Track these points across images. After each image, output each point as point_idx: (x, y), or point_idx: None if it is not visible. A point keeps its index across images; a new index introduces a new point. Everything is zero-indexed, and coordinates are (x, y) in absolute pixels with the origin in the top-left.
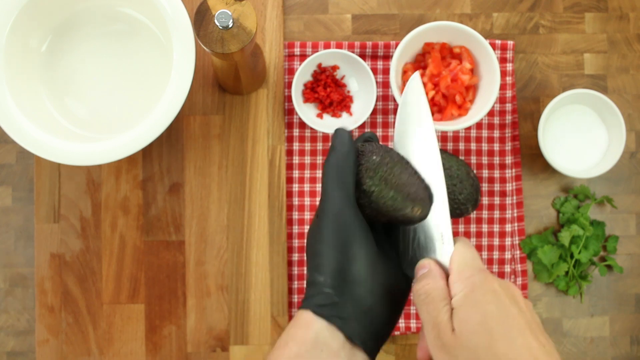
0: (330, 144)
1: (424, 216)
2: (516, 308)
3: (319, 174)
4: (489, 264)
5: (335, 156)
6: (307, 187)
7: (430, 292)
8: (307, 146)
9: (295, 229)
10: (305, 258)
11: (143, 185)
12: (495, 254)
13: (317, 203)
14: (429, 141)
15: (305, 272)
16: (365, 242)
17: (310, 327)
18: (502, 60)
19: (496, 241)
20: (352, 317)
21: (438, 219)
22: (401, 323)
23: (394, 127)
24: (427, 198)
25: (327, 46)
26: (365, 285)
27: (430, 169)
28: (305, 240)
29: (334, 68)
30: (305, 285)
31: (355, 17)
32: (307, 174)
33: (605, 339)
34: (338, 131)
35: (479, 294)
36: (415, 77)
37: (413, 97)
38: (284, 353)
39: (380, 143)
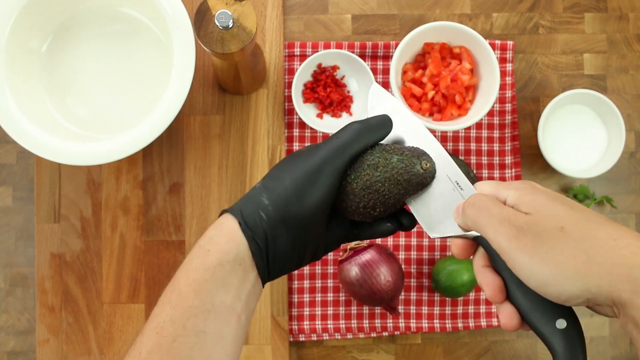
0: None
1: (433, 170)
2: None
3: None
4: None
5: (369, 122)
6: None
7: (485, 199)
8: None
9: None
10: None
11: (143, 185)
12: None
13: None
14: (410, 119)
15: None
16: (319, 205)
17: (234, 239)
18: (502, 61)
19: None
20: (265, 250)
21: (448, 172)
22: (401, 323)
23: None
24: (428, 154)
25: (327, 46)
26: (292, 233)
27: (419, 135)
28: (281, 160)
29: (334, 68)
30: (245, 195)
31: (355, 17)
32: None
33: (605, 338)
34: (383, 114)
35: (528, 187)
36: (374, 87)
37: (379, 100)
38: (205, 261)
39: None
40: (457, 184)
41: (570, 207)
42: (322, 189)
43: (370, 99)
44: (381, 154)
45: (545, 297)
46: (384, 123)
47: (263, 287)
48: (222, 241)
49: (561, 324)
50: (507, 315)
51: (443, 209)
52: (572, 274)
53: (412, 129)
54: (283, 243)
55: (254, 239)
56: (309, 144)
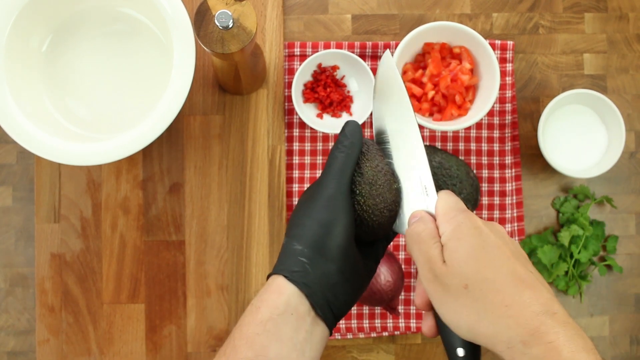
0: (339, 132)
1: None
2: (501, 241)
3: (319, 174)
4: None
5: (343, 146)
6: (307, 187)
7: (421, 232)
8: (307, 146)
9: None
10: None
11: (143, 185)
12: None
13: None
14: (404, 112)
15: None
16: (347, 227)
17: (283, 291)
18: (502, 61)
19: None
20: (319, 289)
21: (420, 174)
22: (401, 323)
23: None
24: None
25: (327, 46)
26: (337, 263)
27: (406, 132)
28: (292, 213)
29: (334, 68)
30: (280, 254)
31: (355, 17)
32: (307, 174)
33: (605, 338)
34: (349, 122)
35: (464, 229)
36: (387, 55)
37: (387, 74)
38: (256, 317)
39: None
40: (425, 189)
41: (481, 265)
42: (341, 212)
43: (380, 69)
44: (370, 169)
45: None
46: (354, 136)
47: (331, 330)
48: (272, 297)
49: (460, 352)
50: (427, 325)
51: (408, 210)
52: (464, 327)
53: (402, 122)
54: (333, 276)
55: (304, 284)
56: (309, 143)
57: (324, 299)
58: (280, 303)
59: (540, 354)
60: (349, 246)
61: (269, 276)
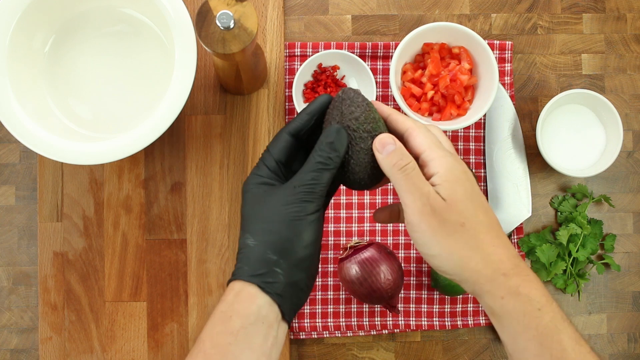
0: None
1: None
2: (479, 190)
3: None
4: None
5: (328, 158)
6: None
7: (407, 167)
8: None
9: None
10: None
11: (145, 184)
12: None
13: None
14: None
15: None
16: (319, 239)
17: (254, 301)
18: (501, 61)
19: None
20: (289, 297)
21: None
22: (400, 321)
23: None
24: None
25: (327, 47)
26: (307, 272)
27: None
28: (246, 196)
29: (334, 68)
30: (241, 257)
31: (355, 17)
32: None
33: (603, 336)
34: (339, 131)
35: (457, 173)
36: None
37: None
38: (228, 327)
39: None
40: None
41: (475, 207)
42: (317, 225)
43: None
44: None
45: (426, 260)
46: (338, 139)
47: (289, 325)
48: (243, 306)
49: None
50: (384, 215)
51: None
52: (455, 260)
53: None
54: (302, 283)
55: (277, 294)
56: None
57: (291, 304)
58: (252, 312)
59: (518, 282)
60: (318, 256)
61: (230, 281)
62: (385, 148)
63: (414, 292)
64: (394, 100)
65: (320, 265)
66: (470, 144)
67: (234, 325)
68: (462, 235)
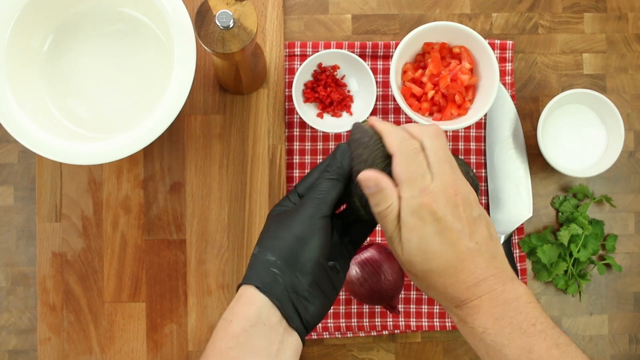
0: (337, 148)
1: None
2: (457, 221)
3: None
4: None
5: (332, 170)
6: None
7: (383, 213)
8: (308, 146)
9: None
10: None
11: (144, 184)
12: None
13: None
14: None
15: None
16: (322, 245)
17: (253, 302)
18: (502, 60)
19: None
20: (290, 300)
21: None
22: (401, 321)
23: None
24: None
25: (327, 46)
26: (308, 277)
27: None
28: (265, 225)
29: (334, 68)
30: (249, 264)
31: (355, 17)
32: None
33: (604, 337)
34: (340, 146)
35: (423, 214)
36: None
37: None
38: (228, 331)
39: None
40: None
41: (429, 258)
42: (318, 231)
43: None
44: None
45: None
46: (344, 161)
47: (303, 339)
48: (243, 309)
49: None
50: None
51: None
52: (418, 286)
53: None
54: (304, 288)
55: (275, 296)
56: (309, 143)
57: (294, 310)
58: (252, 314)
59: (465, 313)
60: (321, 262)
61: (239, 287)
62: (367, 189)
63: (415, 292)
64: (394, 100)
65: None
66: (471, 144)
67: (235, 329)
68: (416, 279)
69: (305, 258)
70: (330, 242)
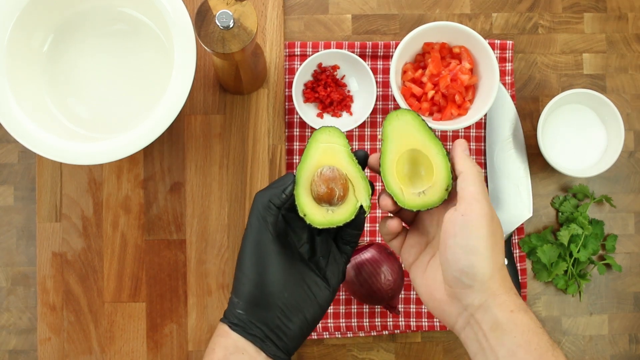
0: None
1: None
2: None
3: None
4: None
5: (270, 194)
6: None
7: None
8: None
9: None
10: None
11: (144, 184)
12: None
13: None
14: None
15: None
16: (278, 271)
17: (229, 336)
18: (502, 60)
19: None
20: (262, 335)
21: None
22: (401, 321)
23: None
24: None
25: (327, 46)
26: (273, 310)
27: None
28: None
29: (334, 68)
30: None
31: (355, 17)
32: None
33: (604, 337)
34: (288, 176)
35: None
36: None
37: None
38: (212, 357)
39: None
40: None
41: (433, 290)
42: (269, 256)
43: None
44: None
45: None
46: (284, 184)
47: (289, 358)
48: (222, 340)
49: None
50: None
51: None
52: (491, 264)
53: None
54: (274, 319)
55: (246, 332)
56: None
57: (269, 342)
58: (230, 344)
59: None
60: (288, 284)
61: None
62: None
63: (415, 292)
64: (394, 100)
65: None
66: (471, 144)
67: (217, 356)
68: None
69: (267, 293)
70: (290, 257)
